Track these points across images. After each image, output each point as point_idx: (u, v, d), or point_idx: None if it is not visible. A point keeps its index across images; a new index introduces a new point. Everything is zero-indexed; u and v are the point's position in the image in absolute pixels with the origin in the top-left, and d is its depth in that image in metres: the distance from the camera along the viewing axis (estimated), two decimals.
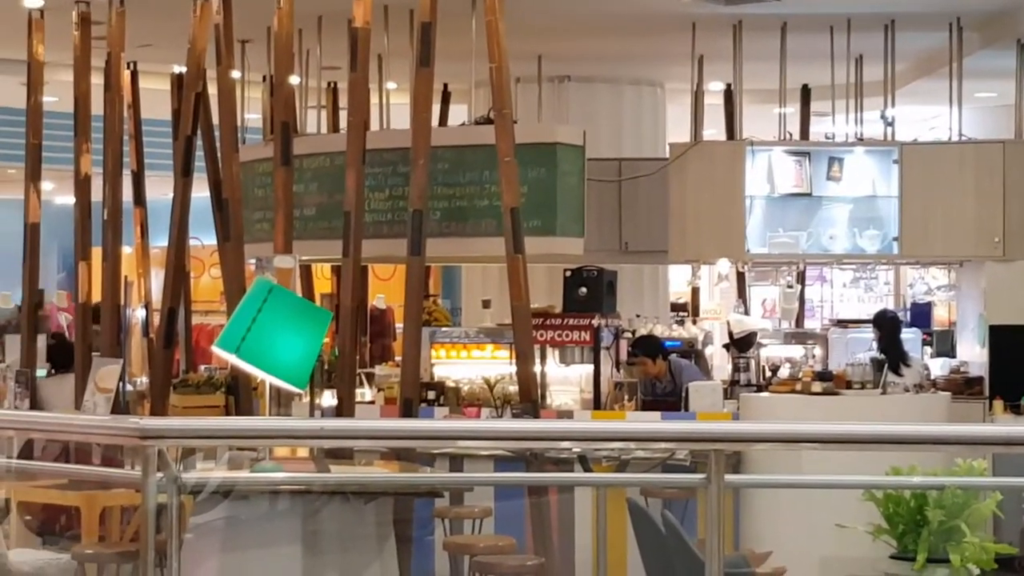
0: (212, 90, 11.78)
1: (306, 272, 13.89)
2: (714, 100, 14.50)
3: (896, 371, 11.96)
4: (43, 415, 10.42)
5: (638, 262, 14.17)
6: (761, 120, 15.16)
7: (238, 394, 11.15)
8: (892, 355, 12.25)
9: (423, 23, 10.52)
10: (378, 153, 11.35)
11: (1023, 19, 12.61)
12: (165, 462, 5.65)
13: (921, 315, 16.02)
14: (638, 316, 13.81)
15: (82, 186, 12.47)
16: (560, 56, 14.43)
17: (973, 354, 13.48)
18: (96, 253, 12.47)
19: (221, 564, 7.05)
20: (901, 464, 6.15)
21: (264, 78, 13.45)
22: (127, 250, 13.54)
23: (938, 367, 13.61)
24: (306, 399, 10.62)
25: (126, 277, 13.35)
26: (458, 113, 15.25)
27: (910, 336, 13.70)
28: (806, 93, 14.77)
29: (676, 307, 17.11)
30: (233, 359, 7.48)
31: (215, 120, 12.02)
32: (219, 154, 11.96)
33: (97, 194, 12.50)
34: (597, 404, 11.56)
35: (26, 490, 9.20)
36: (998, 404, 11.42)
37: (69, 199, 13.15)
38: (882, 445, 6.53)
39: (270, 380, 7.55)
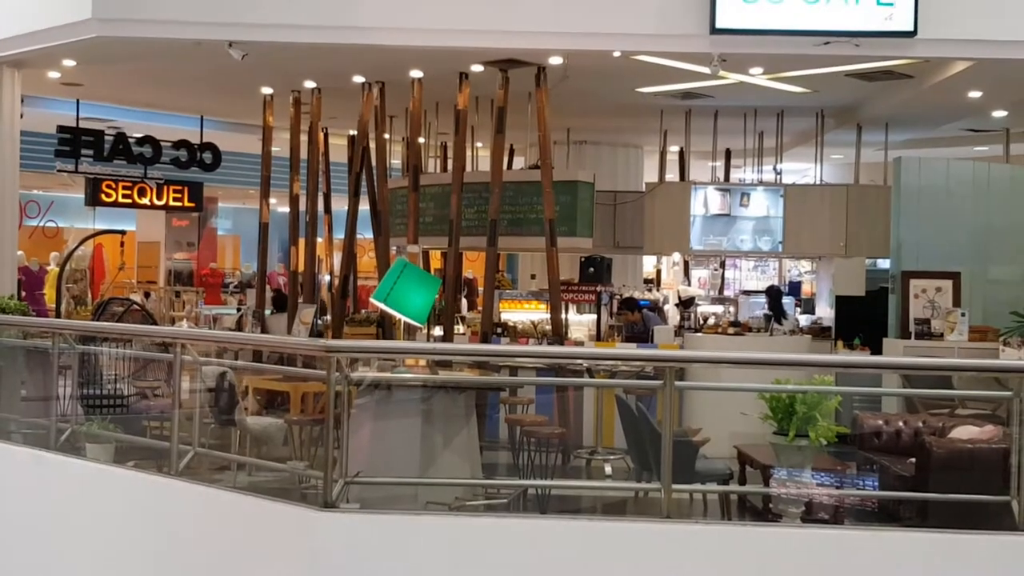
0: (372, 145, 11.82)
1: (426, 255, 13.93)
2: (673, 157, 14.40)
3: (778, 322, 11.91)
4: (271, 337, 10.54)
5: (625, 253, 14.12)
6: (701, 169, 15.07)
7: (384, 326, 11.21)
8: (776, 312, 12.21)
9: (499, 107, 10.51)
10: (470, 185, 11.34)
11: (860, 112, 12.48)
12: (340, 366, 5.68)
13: (795, 288, 15.93)
14: (624, 285, 13.79)
15: (293, 201, 12.53)
16: (581, 128, 14.38)
17: (825, 313, 13.42)
18: (301, 242, 12.54)
19: (372, 427, 7.08)
20: (781, 376, 6.12)
21: (403, 138, 13.45)
22: (320, 240, 13.59)
23: (804, 320, 13.52)
24: (425, 331, 10.67)
25: (319, 256, 13.43)
26: (519, 162, 15.22)
27: (788, 301, 13.59)
28: (728, 154, 14.68)
29: (647, 280, 17.05)
30: (382, 306, 7.52)
31: (374, 163, 12.05)
32: (376, 184, 12.00)
33: (302, 206, 12.57)
34: (599, 338, 11.55)
35: (257, 381, 9.29)
36: (839, 344, 11.35)
37: (285, 209, 13.21)
38: (770, 366, 6.54)
39: (403, 319, 7.59)
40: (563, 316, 11.03)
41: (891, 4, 8.41)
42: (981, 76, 9.86)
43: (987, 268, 10.92)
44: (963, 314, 10.20)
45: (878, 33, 8.47)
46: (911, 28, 8.40)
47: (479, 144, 13.97)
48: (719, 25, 8.42)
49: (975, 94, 10.79)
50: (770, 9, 8.42)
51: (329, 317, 12.04)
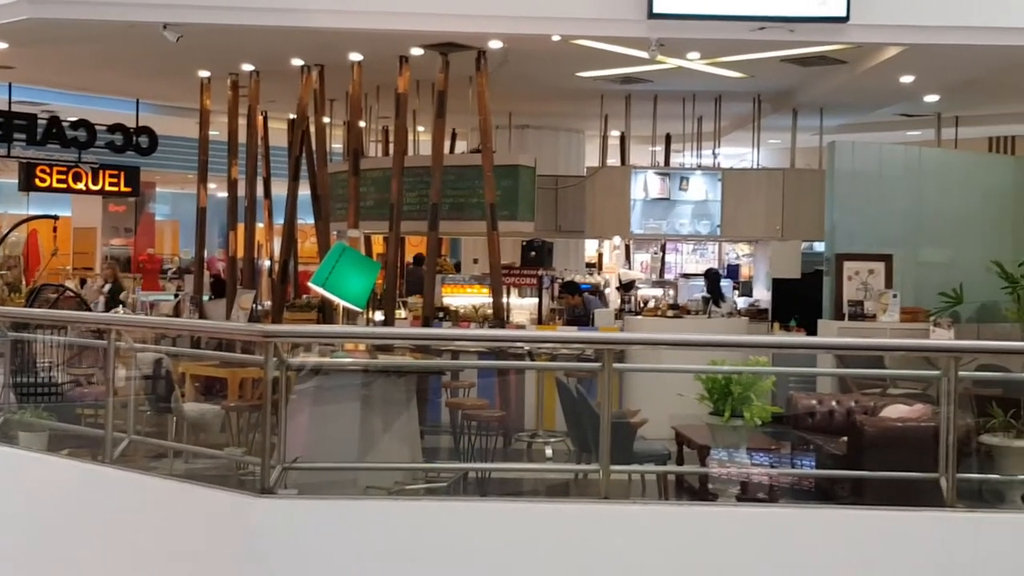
0: (312, 129, 11.69)
1: (368, 240, 13.79)
2: (614, 141, 14.44)
3: (716, 304, 12.00)
4: (208, 323, 10.40)
5: (567, 237, 14.13)
6: (641, 154, 15.13)
7: (324, 311, 11.11)
8: (714, 295, 12.31)
9: (439, 91, 10.45)
10: (411, 169, 11.28)
11: (795, 97, 12.59)
12: (278, 352, 5.63)
13: (733, 271, 16.04)
14: (565, 269, 13.79)
15: (232, 186, 12.39)
16: (523, 113, 14.34)
17: (762, 295, 13.55)
18: (240, 227, 12.39)
19: (310, 414, 7.01)
20: (717, 358, 6.17)
21: (344, 122, 13.36)
22: (260, 225, 13.45)
23: (742, 302, 13.64)
24: (365, 316, 10.60)
25: (258, 241, 13.28)
26: (461, 145, 15.18)
27: (726, 284, 13.72)
28: (668, 138, 14.74)
29: (589, 264, 17.06)
30: (321, 291, 7.46)
31: (314, 147, 11.92)
32: (315, 168, 11.88)
33: (241, 191, 12.43)
34: (540, 321, 11.57)
35: (195, 367, 9.16)
36: (776, 325, 11.45)
37: (224, 193, 13.03)
38: (706, 347, 6.58)
39: (343, 304, 7.53)
40: (505, 300, 11.02)
41: None
42: (913, 61, 9.99)
43: (918, 250, 11.08)
44: (895, 295, 10.36)
45: (812, 19, 8.55)
46: (844, 14, 8.49)
47: (420, 128, 13.90)
48: (656, 10, 8.45)
49: (907, 79, 10.94)
50: None
51: (269, 302, 11.92)
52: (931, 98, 12.30)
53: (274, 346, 5.57)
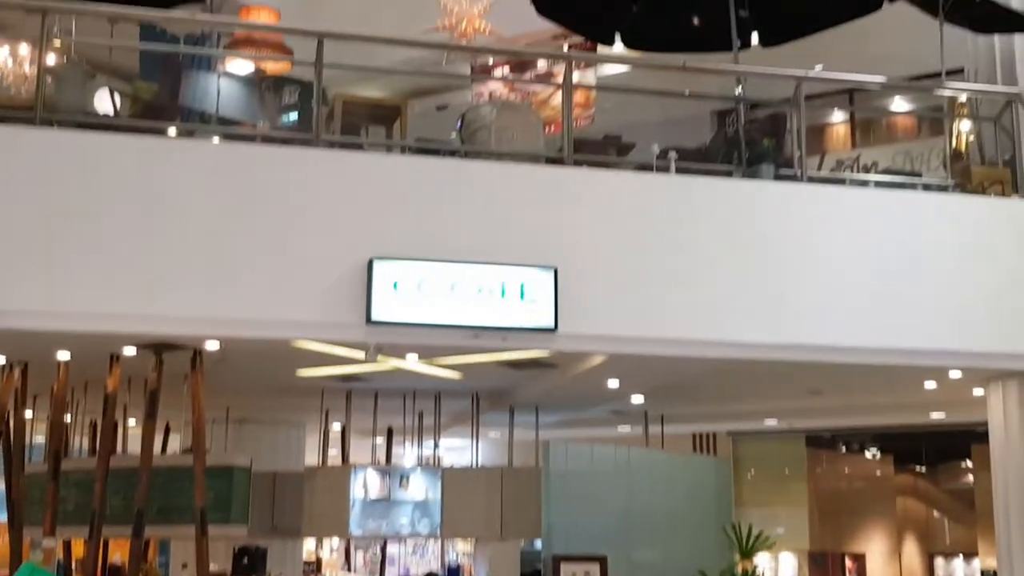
0: (11, 425, 11.01)
1: (67, 545, 12.85)
2: (335, 434, 14.37)
3: None
4: None
5: (283, 538, 13.68)
6: (362, 448, 15.12)
7: None
8: None
9: (151, 391, 10.18)
10: (118, 471, 10.68)
11: (512, 396, 13.04)
12: None
13: (454, 572, 15.95)
14: (280, 574, 13.31)
15: None
16: (240, 407, 14.13)
17: None
18: None
19: None
20: None
21: (47, 416, 12.65)
22: None
23: None
24: None
25: None
26: (174, 440, 14.64)
27: None
28: (389, 432, 14.81)
29: (307, 562, 16.53)
30: None
31: (12, 444, 11.17)
32: (11, 470, 11.10)
33: None
34: None
35: None
36: None
37: None
38: None
39: None
40: None
41: (534, 302, 9.07)
42: (616, 367, 10.67)
43: (631, 551, 11.46)
44: None
45: (523, 329, 9.06)
46: (552, 325, 9.05)
47: (132, 421, 13.37)
48: (374, 317, 8.72)
49: (613, 383, 11.64)
50: (423, 304, 8.85)
51: None
52: (637, 399, 13.09)
53: None
